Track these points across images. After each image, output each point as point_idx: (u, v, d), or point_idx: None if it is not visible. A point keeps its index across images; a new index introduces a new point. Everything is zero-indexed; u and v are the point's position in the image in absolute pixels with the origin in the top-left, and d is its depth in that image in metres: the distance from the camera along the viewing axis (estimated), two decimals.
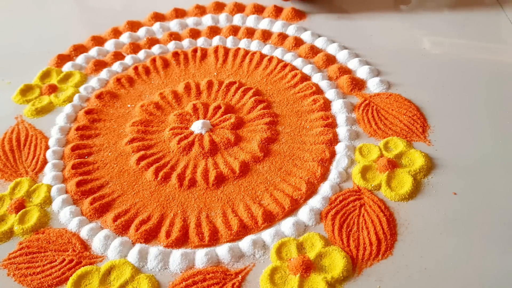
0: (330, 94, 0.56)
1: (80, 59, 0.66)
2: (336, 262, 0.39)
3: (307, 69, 0.60)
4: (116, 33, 0.70)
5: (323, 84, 0.58)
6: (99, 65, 0.64)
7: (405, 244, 0.41)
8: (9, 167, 0.51)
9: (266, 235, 0.42)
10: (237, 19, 0.71)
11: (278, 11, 0.71)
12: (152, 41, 0.68)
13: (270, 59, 0.62)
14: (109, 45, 0.68)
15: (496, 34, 0.64)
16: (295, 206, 0.45)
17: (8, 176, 0.50)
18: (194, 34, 0.69)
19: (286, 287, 0.38)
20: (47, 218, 0.46)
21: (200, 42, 0.67)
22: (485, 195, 0.44)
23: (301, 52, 0.63)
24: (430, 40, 0.64)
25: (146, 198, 0.47)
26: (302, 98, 0.56)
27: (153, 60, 0.64)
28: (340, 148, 0.49)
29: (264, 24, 0.69)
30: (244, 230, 0.43)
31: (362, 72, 0.59)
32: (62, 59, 0.66)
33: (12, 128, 0.56)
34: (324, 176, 0.47)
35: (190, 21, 0.72)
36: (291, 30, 0.67)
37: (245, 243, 0.42)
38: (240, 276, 0.40)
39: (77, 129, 0.55)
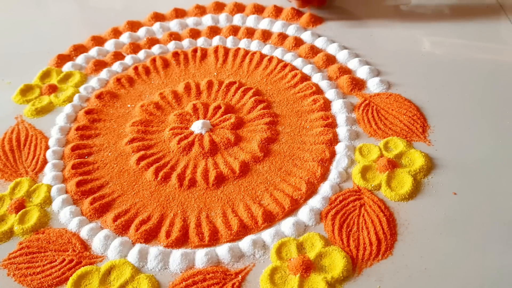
0: (330, 94, 0.56)
1: (80, 59, 0.66)
2: (336, 262, 0.39)
3: (307, 69, 0.60)
4: (116, 33, 0.70)
5: (323, 84, 0.58)
6: (99, 65, 0.64)
7: (405, 244, 0.41)
8: (9, 167, 0.51)
9: (266, 235, 0.42)
10: (237, 19, 0.71)
11: (278, 11, 0.71)
12: (152, 41, 0.68)
13: (270, 59, 0.62)
14: (109, 45, 0.68)
15: (496, 34, 0.64)
16: (295, 206, 0.45)
17: (8, 176, 0.50)
18: (194, 34, 0.69)
19: (286, 287, 0.38)
20: (47, 218, 0.46)
21: (200, 42, 0.67)
22: (485, 195, 0.44)
23: (301, 52, 0.63)
24: (430, 40, 0.64)
25: (146, 198, 0.47)
26: (302, 98, 0.56)
27: (153, 60, 0.64)
28: (340, 148, 0.49)
29: (264, 24, 0.69)
30: (244, 230, 0.43)
31: (362, 72, 0.59)
32: (62, 59, 0.66)
33: (12, 128, 0.56)
34: (324, 176, 0.47)
35: (190, 21, 0.71)
36: (291, 30, 0.67)
37: (245, 243, 0.42)
38: (240, 276, 0.40)
39: (77, 129, 0.55)
